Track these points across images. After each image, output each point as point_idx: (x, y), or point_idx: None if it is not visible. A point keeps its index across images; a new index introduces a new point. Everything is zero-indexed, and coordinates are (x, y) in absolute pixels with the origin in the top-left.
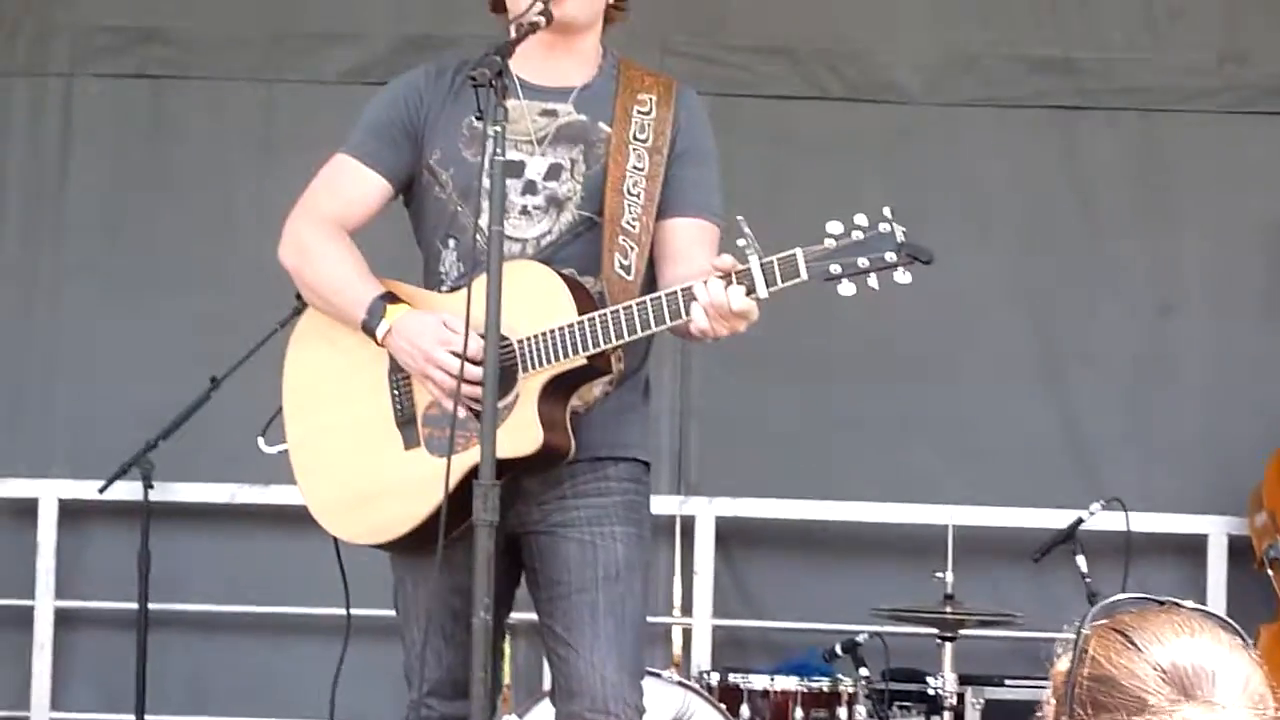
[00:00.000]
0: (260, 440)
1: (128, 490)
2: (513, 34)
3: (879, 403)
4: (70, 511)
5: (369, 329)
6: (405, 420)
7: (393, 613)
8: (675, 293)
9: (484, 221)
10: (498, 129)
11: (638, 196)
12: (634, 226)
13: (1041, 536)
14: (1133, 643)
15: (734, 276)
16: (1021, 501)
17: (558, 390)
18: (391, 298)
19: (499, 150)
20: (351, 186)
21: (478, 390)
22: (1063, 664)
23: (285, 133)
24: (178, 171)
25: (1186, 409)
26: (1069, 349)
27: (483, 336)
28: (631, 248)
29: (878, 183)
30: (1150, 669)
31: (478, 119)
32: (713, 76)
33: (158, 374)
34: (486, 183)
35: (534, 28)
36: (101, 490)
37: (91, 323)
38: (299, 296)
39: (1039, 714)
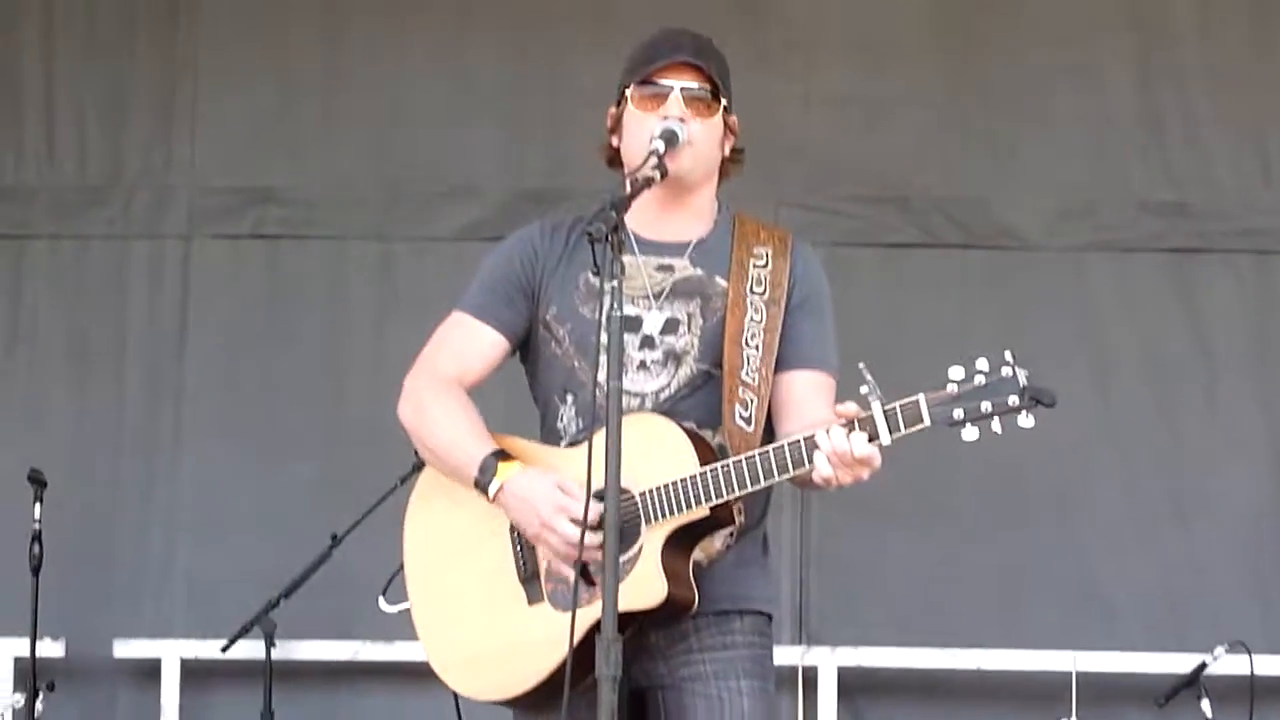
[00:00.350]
0: (381, 599)
1: (250, 649)
2: (628, 189)
3: (1000, 547)
4: (193, 672)
5: (481, 486)
6: (528, 576)
7: None
8: (798, 441)
9: (602, 376)
10: (614, 284)
11: (756, 349)
12: (753, 379)
13: (1165, 681)
14: None
15: (857, 423)
16: (1144, 646)
17: (681, 542)
18: (504, 455)
19: (616, 305)
20: (468, 343)
21: (597, 555)
22: None
23: (402, 290)
24: (295, 331)
25: None
26: (1190, 494)
27: (599, 498)
28: (751, 400)
29: (994, 328)
30: None
31: (595, 274)
32: (828, 226)
33: (278, 533)
34: (604, 338)
35: (649, 182)
36: (224, 650)
37: (212, 483)
38: (418, 453)
39: None
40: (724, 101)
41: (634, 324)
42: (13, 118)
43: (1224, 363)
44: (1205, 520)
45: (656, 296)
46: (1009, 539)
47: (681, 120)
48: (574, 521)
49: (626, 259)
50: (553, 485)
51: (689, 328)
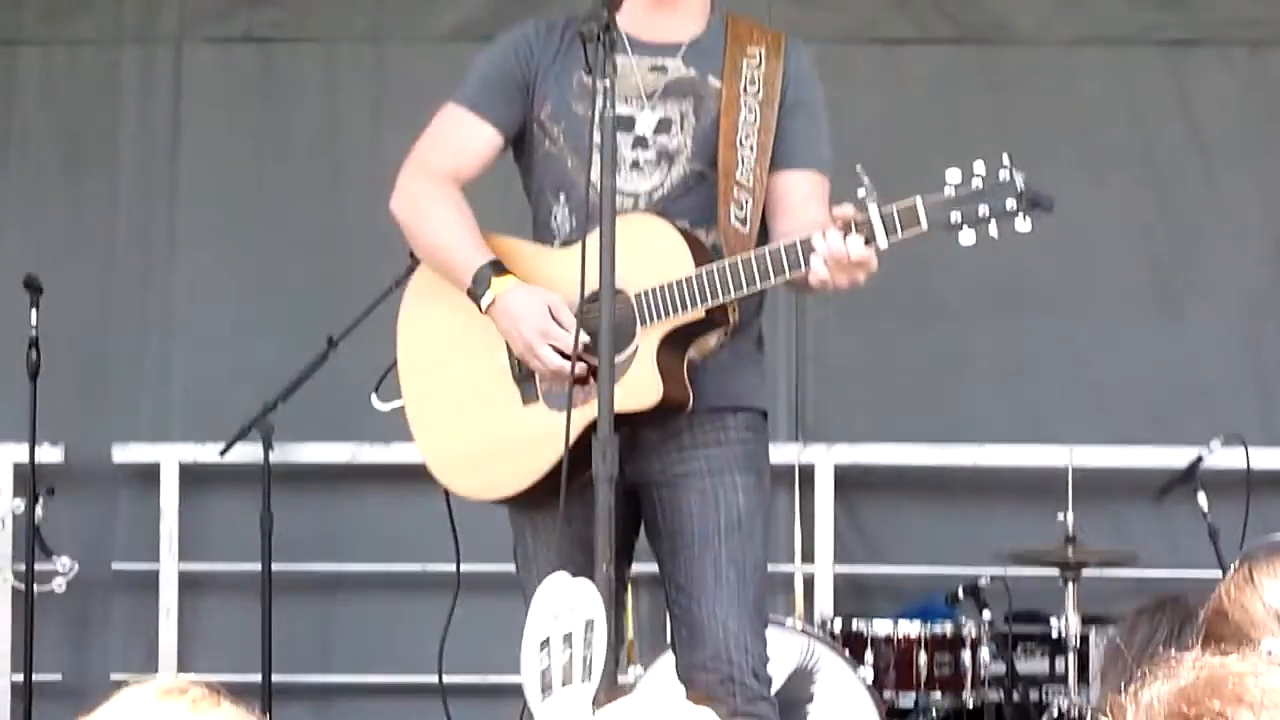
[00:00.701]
0: (374, 397)
1: (248, 453)
2: None
3: (995, 343)
4: (191, 475)
5: (474, 296)
6: (523, 375)
7: (510, 567)
8: (794, 244)
9: (594, 175)
10: (606, 83)
11: (751, 149)
12: (748, 179)
13: (1162, 475)
14: (1253, 579)
15: (854, 226)
16: (1141, 440)
17: (675, 343)
18: (499, 266)
19: (609, 105)
20: (463, 138)
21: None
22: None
23: (394, 91)
24: (289, 133)
25: None
26: (1186, 285)
27: (593, 298)
28: (746, 200)
29: (990, 124)
30: (1260, 605)
31: (588, 74)
32: (821, 23)
33: (275, 336)
34: (597, 137)
35: None
36: (222, 453)
37: (207, 287)
38: (412, 254)
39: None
40: None
41: (627, 123)
42: None
43: (1219, 154)
44: (1203, 313)
45: (649, 96)
46: (1005, 334)
47: None
48: (558, 351)
49: (619, 59)
50: (544, 307)
51: (681, 127)
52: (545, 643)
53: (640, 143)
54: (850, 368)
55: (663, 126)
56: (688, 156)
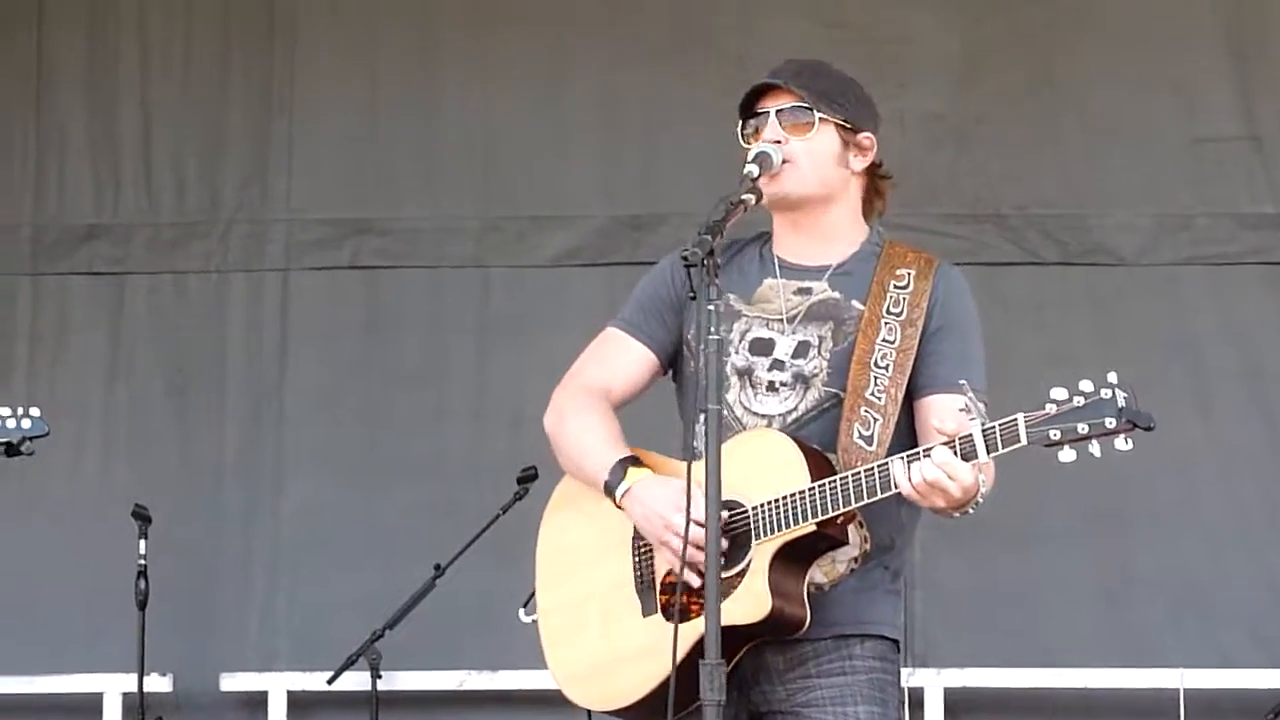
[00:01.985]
0: (521, 611)
1: (356, 681)
2: (722, 212)
3: (1102, 563)
4: (299, 703)
5: (609, 490)
6: (644, 586)
7: None
8: (901, 460)
9: (730, 397)
10: (711, 308)
11: (885, 369)
12: (879, 398)
13: (1273, 696)
14: None
15: (957, 442)
16: (1252, 660)
17: (792, 559)
18: (635, 461)
19: (714, 329)
20: (617, 357)
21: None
22: None
23: (499, 317)
24: (394, 360)
25: None
26: None
27: (726, 508)
28: (875, 418)
29: (1093, 344)
30: None
31: (691, 298)
32: (927, 246)
33: (382, 562)
34: (734, 359)
35: (742, 205)
36: (330, 681)
37: (315, 514)
38: (520, 480)
39: None
40: (821, 115)
41: (767, 346)
42: (111, 157)
43: None
44: None
45: (790, 320)
46: (1111, 555)
47: (778, 142)
48: (695, 522)
49: (768, 282)
50: (678, 489)
51: (819, 351)
52: None
53: (778, 365)
54: (957, 590)
55: (800, 350)
56: (823, 380)
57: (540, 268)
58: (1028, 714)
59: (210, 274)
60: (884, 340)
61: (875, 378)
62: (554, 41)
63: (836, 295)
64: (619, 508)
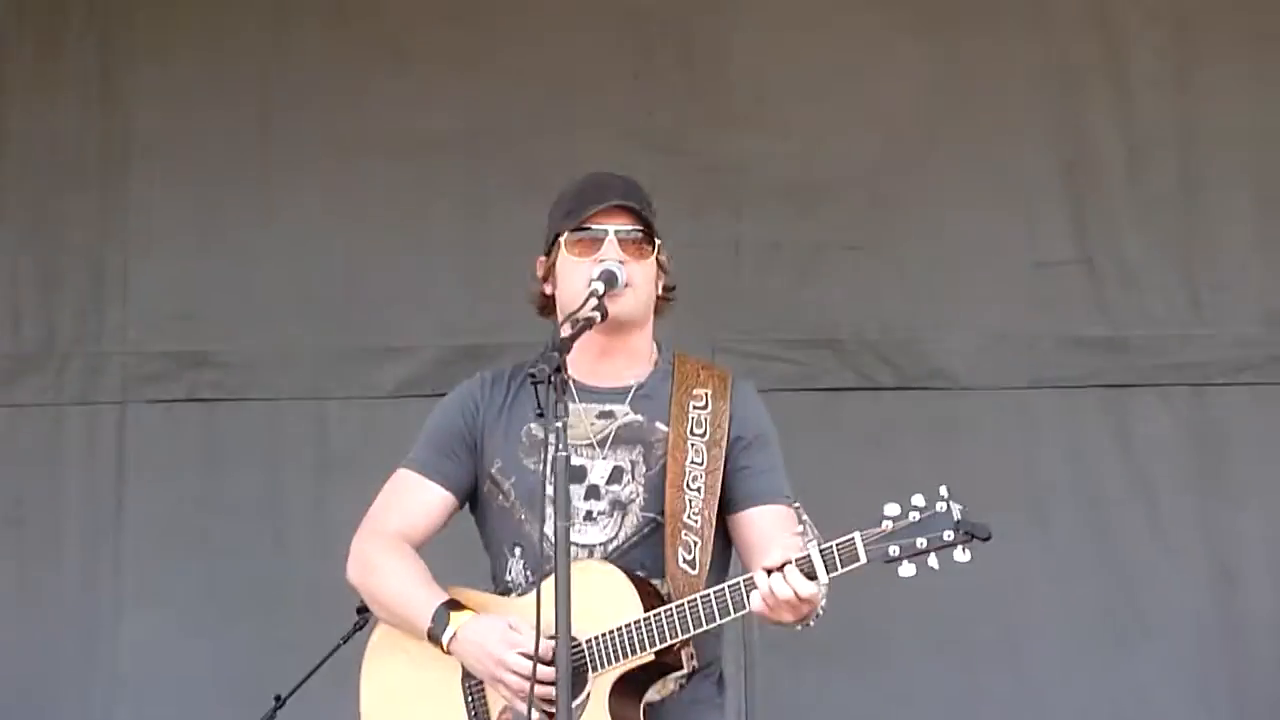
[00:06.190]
0: None
1: None
2: (568, 330)
3: (945, 686)
4: None
5: (434, 637)
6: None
7: None
8: (737, 584)
9: (549, 529)
10: (559, 425)
11: (698, 491)
12: (695, 521)
13: None
14: None
15: (795, 563)
16: None
17: (629, 687)
18: (455, 604)
19: (562, 446)
20: (414, 501)
21: (551, 690)
22: None
23: (339, 449)
24: (232, 492)
25: (1255, 678)
26: (1134, 622)
27: (551, 637)
28: (695, 542)
29: (932, 468)
30: None
31: (539, 415)
32: (763, 372)
33: (221, 696)
34: (550, 490)
35: (589, 323)
36: None
37: (153, 648)
38: (360, 610)
39: None
40: (658, 242)
41: (579, 474)
42: None
43: (1162, 493)
44: (1151, 645)
45: (601, 444)
46: (954, 677)
47: (621, 263)
48: (526, 656)
49: (570, 408)
50: (504, 625)
51: (633, 476)
52: None
53: (593, 492)
54: (800, 713)
55: (615, 476)
56: (640, 505)
57: (379, 398)
58: None
59: (46, 407)
60: (692, 462)
61: (690, 500)
62: (388, 171)
63: (640, 418)
64: (447, 653)
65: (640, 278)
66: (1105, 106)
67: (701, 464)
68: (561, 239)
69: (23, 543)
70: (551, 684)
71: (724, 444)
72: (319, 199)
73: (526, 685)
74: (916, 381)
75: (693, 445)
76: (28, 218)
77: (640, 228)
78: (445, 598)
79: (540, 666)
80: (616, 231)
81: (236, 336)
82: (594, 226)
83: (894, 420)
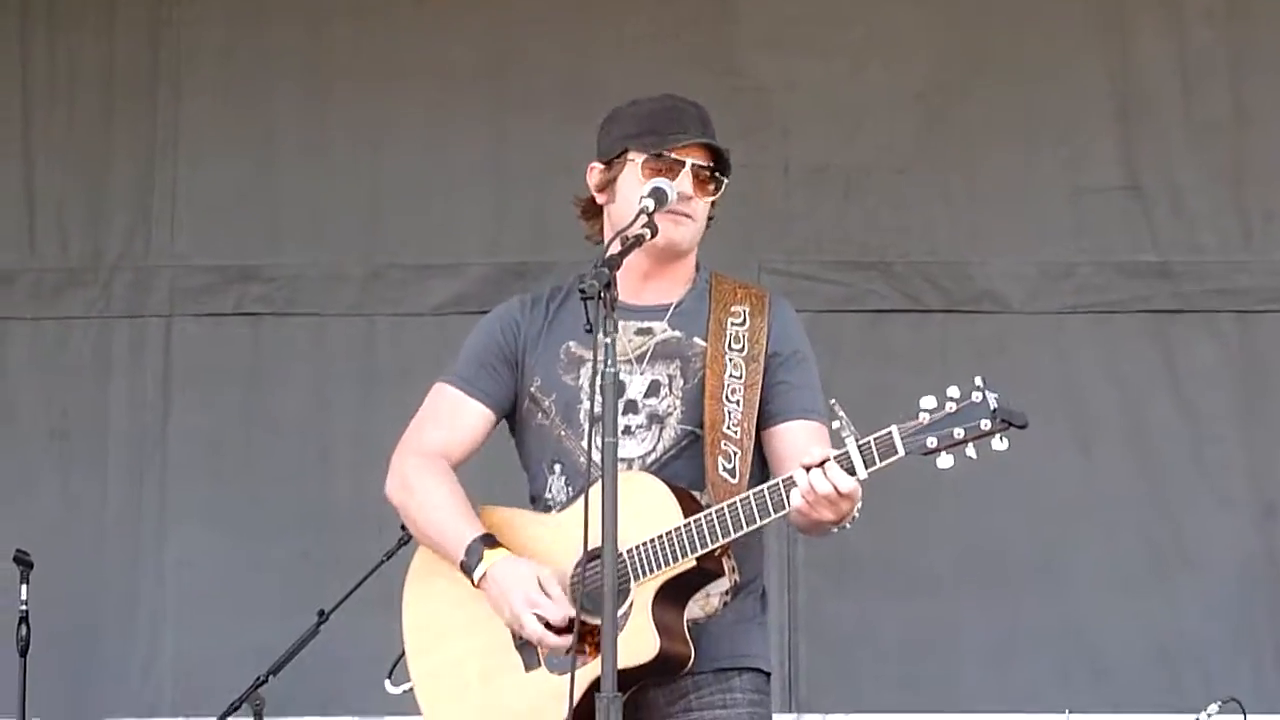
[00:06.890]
0: (387, 682)
1: None
2: (618, 247)
3: (988, 610)
4: None
5: (467, 570)
6: (523, 643)
7: None
8: (776, 484)
9: (586, 444)
10: (608, 340)
11: (737, 404)
12: (735, 432)
13: None
14: None
15: (833, 459)
16: (1137, 705)
17: (672, 597)
18: (490, 539)
19: (610, 362)
20: (454, 417)
21: (566, 641)
22: None
23: (384, 366)
24: (278, 408)
25: None
26: (1177, 550)
27: (595, 550)
28: (735, 452)
29: None
30: None
31: (587, 330)
32: (810, 293)
33: (265, 610)
34: (587, 405)
35: (639, 240)
36: None
37: (197, 561)
38: (404, 528)
39: None
40: (725, 181)
41: (618, 389)
42: None
43: (1207, 421)
44: (1193, 577)
45: (639, 360)
46: (997, 602)
47: (689, 198)
48: (542, 620)
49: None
50: (533, 579)
51: (670, 389)
52: None
53: (630, 407)
54: (843, 635)
55: (652, 390)
56: (677, 418)
57: (424, 315)
58: None
59: (93, 320)
60: (730, 375)
61: (729, 412)
62: (440, 88)
63: (678, 334)
64: (476, 588)
65: (702, 213)
66: (1157, 33)
67: (740, 378)
68: (632, 156)
69: (69, 458)
70: (569, 630)
71: (761, 359)
72: (368, 116)
73: (541, 636)
74: (964, 305)
75: (731, 359)
76: (77, 135)
77: (712, 166)
78: (480, 531)
79: (558, 618)
80: (694, 165)
81: (283, 252)
82: (674, 157)
83: (940, 343)
